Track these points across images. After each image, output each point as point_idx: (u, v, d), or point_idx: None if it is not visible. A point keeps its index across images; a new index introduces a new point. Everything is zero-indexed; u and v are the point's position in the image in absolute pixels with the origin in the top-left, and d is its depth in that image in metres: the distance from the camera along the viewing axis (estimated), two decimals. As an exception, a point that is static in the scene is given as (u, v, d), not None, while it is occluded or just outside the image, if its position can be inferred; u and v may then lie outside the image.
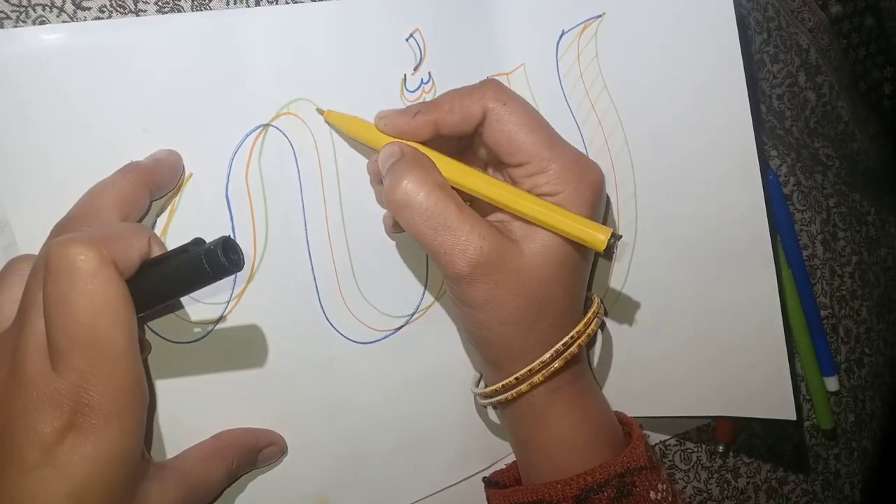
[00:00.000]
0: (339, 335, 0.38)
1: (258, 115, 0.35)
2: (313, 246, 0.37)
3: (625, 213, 0.40)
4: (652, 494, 0.35)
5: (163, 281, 0.28)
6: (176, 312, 0.35)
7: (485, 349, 0.36)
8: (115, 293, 0.26)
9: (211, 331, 0.35)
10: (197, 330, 0.35)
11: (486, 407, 0.40)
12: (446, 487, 0.42)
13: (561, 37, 0.39)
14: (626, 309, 0.41)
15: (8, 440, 0.26)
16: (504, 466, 0.42)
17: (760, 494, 0.51)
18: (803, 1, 0.52)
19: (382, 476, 0.40)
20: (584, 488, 0.34)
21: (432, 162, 0.34)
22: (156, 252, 0.29)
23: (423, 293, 0.40)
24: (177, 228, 0.34)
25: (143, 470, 0.29)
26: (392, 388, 0.40)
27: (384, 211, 0.38)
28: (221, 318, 0.35)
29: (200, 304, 0.35)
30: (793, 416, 0.37)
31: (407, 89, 0.38)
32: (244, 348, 0.36)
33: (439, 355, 0.41)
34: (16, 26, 0.32)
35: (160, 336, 0.34)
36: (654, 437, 0.47)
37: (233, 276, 0.35)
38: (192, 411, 0.35)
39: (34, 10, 0.32)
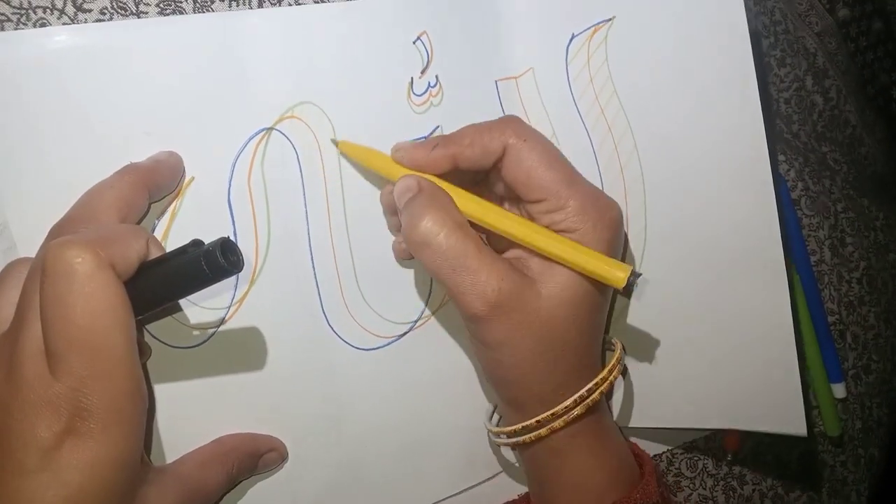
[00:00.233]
0: (342, 341, 0.38)
1: (261, 118, 0.35)
2: (316, 251, 0.37)
3: (634, 220, 0.40)
4: None
5: (161, 283, 0.28)
6: (177, 317, 0.34)
7: (502, 388, 0.36)
8: (112, 295, 0.26)
9: (212, 335, 0.35)
10: (197, 334, 0.35)
11: (500, 446, 0.40)
12: (448, 497, 0.41)
13: (571, 41, 0.39)
14: (634, 317, 0.41)
15: (5, 444, 0.25)
16: (517, 497, 0.42)
17: (766, 502, 0.50)
18: (811, 5, 0.51)
19: (383, 483, 0.40)
20: None
21: (450, 198, 0.34)
22: (154, 254, 0.29)
23: (428, 300, 0.40)
24: (178, 232, 0.34)
25: (143, 474, 0.29)
26: (394, 396, 0.39)
27: (388, 217, 0.38)
28: (223, 323, 0.35)
29: (202, 309, 0.35)
30: (804, 432, 0.36)
31: (414, 93, 0.38)
32: (246, 353, 0.36)
33: (443, 363, 0.40)
34: (16, 29, 0.32)
35: (161, 341, 0.34)
36: (661, 447, 0.47)
37: (234, 281, 0.35)
38: (192, 416, 0.35)
39: (35, 12, 0.32)
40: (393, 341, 0.39)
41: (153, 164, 0.32)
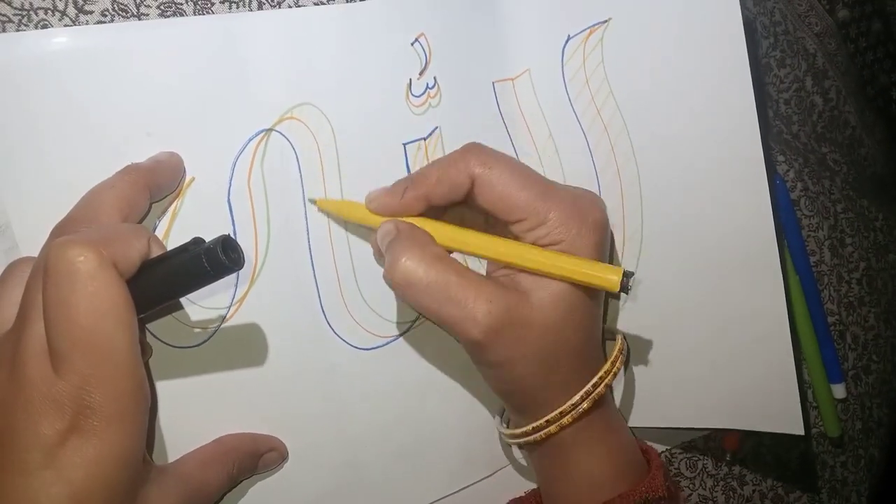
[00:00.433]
0: (341, 341, 0.38)
1: (261, 119, 0.35)
2: (315, 251, 0.37)
3: (630, 221, 0.40)
4: None
5: (163, 281, 0.28)
6: (177, 317, 0.34)
7: (510, 399, 0.37)
8: (115, 294, 0.26)
9: (213, 335, 0.35)
10: (198, 331, 0.35)
11: (510, 446, 0.40)
12: (448, 495, 0.41)
13: (567, 42, 0.39)
14: (630, 318, 0.41)
15: (9, 443, 0.26)
16: (523, 493, 0.42)
17: (766, 502, 0.50)
18: (810, 5, 0.51)
19: (383, 482, 0.40)
20: None
21: (427, 235, 0.34)
22: (155, 252, 0.29)
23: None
24: (178, 232, 0.34)
25: (145, 473, 0.29)
26: (393, 395, 0.39)
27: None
28: (223, 322, 0.35)
29: (202, 308, 0.35)
30: (801, 431, 0.37)
31: (412, 94, 0.38)
32: (245, 353, 0.36)
33: (441, 362, 0.40)
34: (18, 30, 0.32)
35: (162, 341, 0.34)
36: (661, 446, 0.47)
37: (234, 281, 0.35)
38: (193, 416, 0.35)
39: (36, 14, 0.32)
40: (392, 340, 0.39)
41: (154, 164, 0.33)
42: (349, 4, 0.37)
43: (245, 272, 0.35)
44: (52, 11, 0.33)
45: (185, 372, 0.35)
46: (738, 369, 0.39)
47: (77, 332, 0.25)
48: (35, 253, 0.30)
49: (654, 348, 0.41)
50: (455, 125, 0.39)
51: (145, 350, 0.33)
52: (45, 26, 0.32)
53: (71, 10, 0.33)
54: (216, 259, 0.27)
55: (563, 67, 0.40)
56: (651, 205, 0.39)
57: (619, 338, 0.37)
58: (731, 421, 0.40)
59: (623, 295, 0.39)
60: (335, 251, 0.37)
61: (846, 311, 0.52)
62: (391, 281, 0.33)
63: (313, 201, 0.37)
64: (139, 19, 0.34)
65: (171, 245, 0.33)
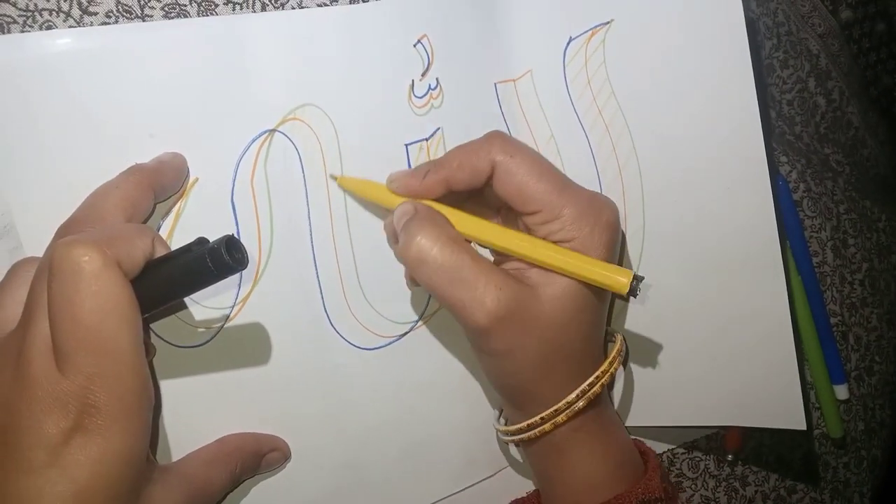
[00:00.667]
0: (344, 341, 0.38)
1: (264, 120, 0.35)
2: (318, 252, 0.37)
3: (632, 220, 0.40)
4: None
5: (167, 281, 0.28)
6: (181, 316, 0.35)
7: (507, 393, 0.36)
8: (119, 294, 0.26)
9: (216, 335, 0.35)
10: (202, 331, 0.35)
11: (508, 445, 0.40)
12: (450, 495, 0.41)
13: (569, 43, 0.39)
14: (632, 317, 0.41)
15: (13, 441, 0.26)
16: (524, 494, 0.42)
17: (769, 503, 0.50)
18: (813, 6, 0.51)
19: (385, 482, 0.40)
20: None
21: (445, 217, 0.34)
22: (160, 252, 0.29)
23: (429, 299, 0.40)
24: (182, 233, 0.34)
25: (148, 472, 0.29)
26: (396, 395, 0.39)
27: (389, 216, 0.38)
28: (226, 323, 0.35)
29: (204, 308, 0.35)
30: (803, 426, 0.37)
31: (415, 95, 0.38)
32: (248, 353, 0.36)
33: (444, 362, 0.40)
34: (22, 31, 0.32)
35: (165, 340, 0.34)
36: (663, 446, 0.47)
37: (237, 281, 0.35)
38: (196, 415, 0.35)
39: (41, 15, 0.32)
40: (394, 340, 0.39)
41: (158, 164, 0.33)
42: (352, 6, 0.37)
43: (248, 272, 0.35)
44: (57, 12, 0.33)
45: (188, 371, 0.35)
46: (740, 367, 0.39)
47: (82, 332, 0.25)
48: (39, 253, 0.30)
49: (656, 347, 0.41)
50: (457, 126, 0.39)
51: (149, 350, 0.33)
52: (49, 27, 0.33)
53: (75, 12, 0.33)
54: (220, 259, 0.27)
55: (564, 68, 0.40)
56: (653, 205, 0.39)
57: (619, 339, 0.37)
58: (733, 418, 0.40)
59: (631, 298, 0.39)
60: (338, 251, 0.37)
61: (849, 312, 0.52)
62: (405, 258, 0.33)
63: (334, 178, 0.37)
64: (143, 20, 0.34)
65: (175, 246, 0.33)
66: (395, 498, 0.40)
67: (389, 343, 0.39)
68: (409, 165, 0.38)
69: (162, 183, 0.32)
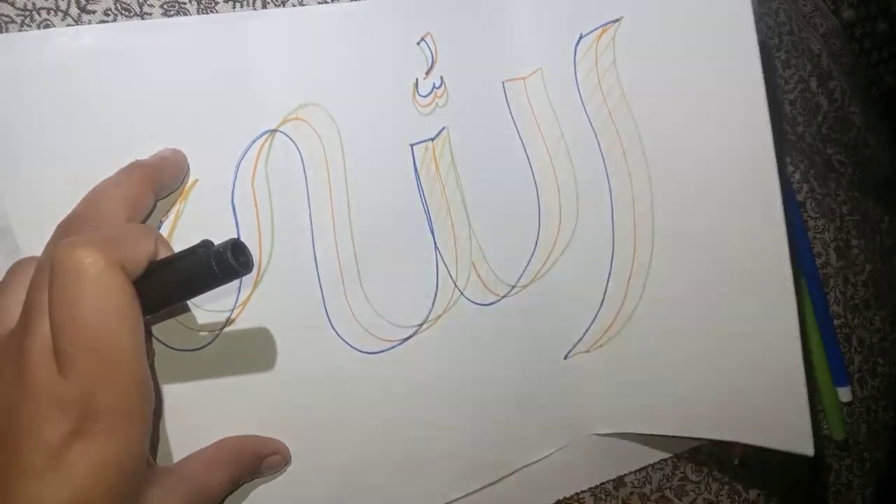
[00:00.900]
0: (345, 344, 0.38)
1: (265, 120, 0.35)
2: (320, 254, 0.37)
3: (641, 227, 0.39)
4: None
5: (171, 283, 0.28)
6: (181, 320, 0.34)
7: None
8: (122, 296, 0.26)
9: (215, 339, 0.35)
10: (203, 334, 0.35)
11: None
12: (451, 501, 0.41)
13: (579, 41, 0.39)
14: (641, 325, 0.40)
15: (13, 444, 0.25)
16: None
17: (771, 506, 0.50)
18: (815, 6, 0.51)
19: (386, 487, 0.39)
20: None
21: None
22: (163, 254, 0.29)
23: (433, 304, 0.40)
24: (182, 234, 0.34)
25: (148, 476, 0.29)
26: (398, 400, 0.39)
27: (392, 219, 0.38)
28: (226, 326, 0.35)
29: (205, 312, 0.35)
30: (810, 452, 0.35)
31: (419, 94, 0.38)
32: (249, 356, 0.36)
33: (448, 367, 0.40)
34: (20, 30, 0.32)
35: (165, 344, 0.34)
36: (667, 452, 0.46)
37: (238, 284, 0.35)
38: (195, 419, 0.35)
39: (39, 14, 0.32)
40: (397, 345, 0.39)
41: (159, 161, 0.32)
42: (353, 3, 0.36)
43: (249, 275, 0.35)
44: (55, 11, 0.32)
45: (188, 375, 0.34)
46: (747, 381, 0.38)
47: (83, 334, 0.25)
48: (37, 255, 0.29)
49: (662, 355, 0.40)
50: (463, 126, 0.39)
51: (148, 352, 0.33)
52: (47, 26, 0.32)
53: (73, 10, 0.33)
54: (225, 262, 0.26)
55: (575, 67, 0.39)
56: (662, 207, 0.39)
57: None
58: (739, 435, 0.39)
59: (635, 299, 0.39)
60: (340, 254, 0.37)
61: (852, 314, 0.52)
62: None
63: None
64: (142, 19, 0.34)
65: (176, 247, 0.33)
66: (398, 502, 0.40)
67: (392, 347, 0.39)
68: (415, 166, 0.38)
69: (162, 180, 0.32)
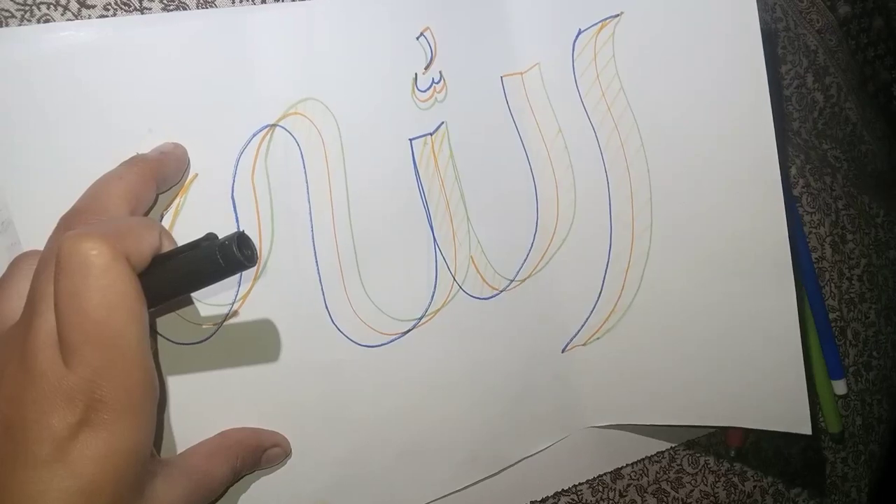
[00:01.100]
0: (345, 338, 0.38)
1: (265, 114, 0.35)
2: (319, 248, 0.37)
3: (639, 220, 0.39)
4: None
5: (175, 276, 0.28)
6: (181, 313, 0.34)
7: None
8: (128, 288, 0.26)
9: (216, 332, 0.35)
10: (206, 327, 0.35)
11: None
12: (450, 493, 0.41)
13: (577, 36, 0.39)
14: (638, 317, 0.41)
15: (18, 435, 0.25)
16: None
17: (767, 498, 0.50)
18: (811, 2, 0.51)
19: (386, 480, 0.40)
20: None
21: None
22: (166, 246, 0.29)
23: (432, 297, 0.40)
24: (182, 228, 0.34)
25: (151, 467, 0.29)
26: (397, 393, 0.39)
27: (392, 213, 0.38)
28: (226, 320, 0.35)
29: (206, 305, 0.35)
30: (808, 431, 0.36)
31: (418, 88, 0.38)
32: (249, 349, 0.36)
33: (447, 361, 0.40)
34: (20, 24, 0.32)
35: (165, 337, 0.34)
36: (664, 444, 0.47)
37: (238, 278, 0.35)
38: (198, 411, 0.35)
39: (39, 8, 0.32)
40: (396, 338, 0.39)
41: (160, 155, 0.32)
42: (353, -1, 0.36)
43: (250, 269, 0.35)
44: (55, 6, 0.32)
45: (189, 368, 0.34)
46: (746, 368, 0.38)
47: (89, 325, 0.25)
48: (39, 249, 0.30)
49: (661, 345, 0.40)
50: (462, 120, 0.39)
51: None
52: (47, 20, 0.32)
53: (73, 5, 0.33)
54: (231, 255, 0.26)
55: (573, 62, 0.39)
56: (660, 201, 0.39)
57: None
58: (737, 419, 0.40)
59: (633, 291, 0.39)
60: (339, 248, 0.37)
61: (847, 308, 0.52)
62: None
63: None
64: (142, 13, 0.34)
65: (176, 242, 0.33)
66: (395, 496, 0.40)
67: (391, 341, 0.39)
68: (414, 160, 0.38)
69: (164, 173, 0.32)
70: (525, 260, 0.42)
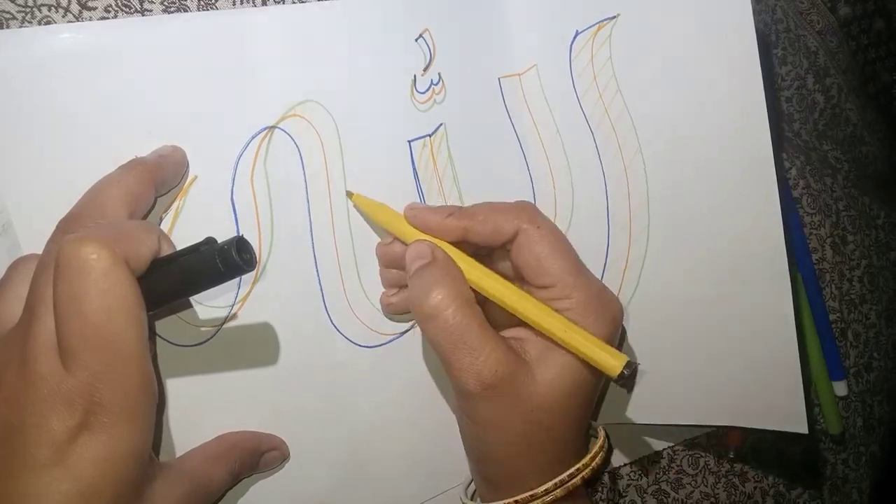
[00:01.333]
0: (344, 339, 0.38)
1: (264, 116, 0.35)
2: (318, 249, 0.37)
3: (637, 221, 0.39)
4: None
5: (175, 279, 0.28)
6: (181, 315, 0.34)
7: (483, 465, 0.36)
8: (127, 292, 0.26)
9: (215, 334, 0.35)
10: (205, 329, 0.35)
11: None
12: (449, 489, 0.41)
13: (574, 38, 0.39)
14: (636, 317, 0.41)
15: (18, 439, 0.25)
16: None
17: (768, 499, 0.50)
18: (812, 3, 0.51)
19: (385, 480, 0.40)
20: None
21: (461, 271, 0.34)
22: (165, 250, 0.29)
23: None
24: (182, 231, 0.34)
25: (150, 470, 0.29)
26: (397, 393, 0.39)
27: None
28: (226, 322, 0.35)
29: (205, 307, 0.35)
30: (805, 430, 0.36)
31: (417, 90, 0.38)
32: (248, 351, 0.36)
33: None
34: (21, 27, 0.32)
35: (165, 339, 0.34)
36: (663, 444, 0.47)
37: (238, 280, 0.35)
38: (195, 413, 0.35)
39: (39, 10, 0.32)
40: (395, 338, 0.39)
41: (159, 158, 0.32)
42: (352, 0, 0.36)
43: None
44: (56, 8, 0.32)
45: (189, 370, 0.35)
46: (743, 367, 0.38)
47: (88, 329, 0.25)
48: (37, 251, 0.30)
49: (659, 346, 0.40)
50: (460, 122, 0.39)
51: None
52: (48, 23, 0.32)
53: (74, 7, 0.33)
54: (230, 259, 0.26)
55: (570, 63, 0.39)
56: (658, 203, 0.39)
57: (602, 434, 0.37)
58: (735, 419, 0.40)
59: (630, 291, 0.39)
60: (338, 249, 0.37)
61: (847, 309, 0.52)
62: (417, 308, 0.33)
63: (350, 195, 0.37)
64: (142, 15, 0.34)
65: (175, 245, 0.33)
66: (395, 495, 0.40)
67: (390, 341, 0.39)
68: (413, 162, 0.38)
69: (163, 177, 0.32)
70: (524, 261, 0.42)
